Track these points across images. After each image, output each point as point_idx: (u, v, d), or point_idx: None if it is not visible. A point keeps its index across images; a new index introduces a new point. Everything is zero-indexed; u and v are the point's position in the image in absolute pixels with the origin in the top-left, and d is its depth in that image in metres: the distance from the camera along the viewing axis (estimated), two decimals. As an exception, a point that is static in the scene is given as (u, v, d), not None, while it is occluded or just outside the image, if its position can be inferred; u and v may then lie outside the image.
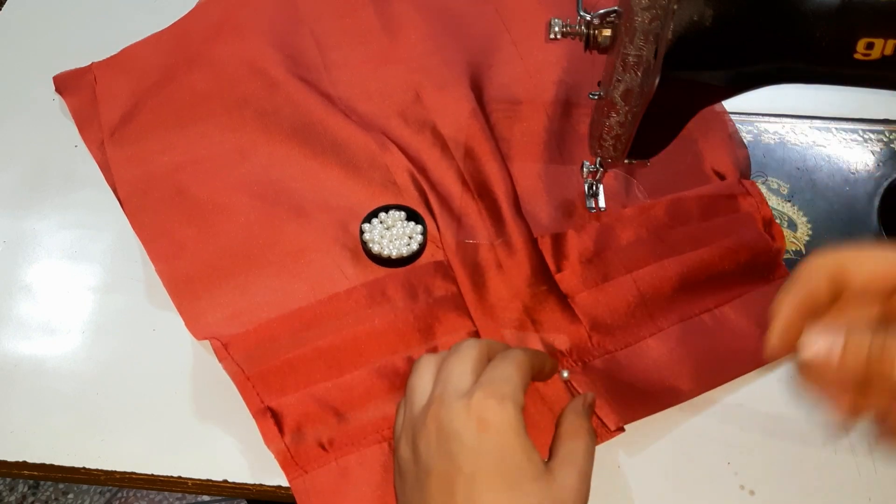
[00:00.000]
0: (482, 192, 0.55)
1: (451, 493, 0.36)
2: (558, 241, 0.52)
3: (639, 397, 0.47)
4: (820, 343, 0.29)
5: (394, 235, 0.52)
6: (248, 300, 0.51)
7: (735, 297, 0.51)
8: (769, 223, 0.53)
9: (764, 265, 0.52)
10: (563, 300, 0.50)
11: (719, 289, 0.51)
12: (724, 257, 0.51)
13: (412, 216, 0.53)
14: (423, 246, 0.52)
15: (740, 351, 0.48)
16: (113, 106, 0.60)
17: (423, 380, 0.41)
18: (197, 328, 0.50)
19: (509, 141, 0.58)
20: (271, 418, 0.45)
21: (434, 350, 0.48)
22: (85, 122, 0.61)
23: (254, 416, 0.45)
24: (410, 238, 0.52)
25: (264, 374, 0.47)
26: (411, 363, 0.46)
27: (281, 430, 0.45)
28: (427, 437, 0.37)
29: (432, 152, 0.57)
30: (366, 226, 0.53)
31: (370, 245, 0.52)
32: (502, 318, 0.50)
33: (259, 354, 0.48)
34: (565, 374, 0.47)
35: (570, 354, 0.48)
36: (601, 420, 0.45)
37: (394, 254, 0.51)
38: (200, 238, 0.54)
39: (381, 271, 0.52)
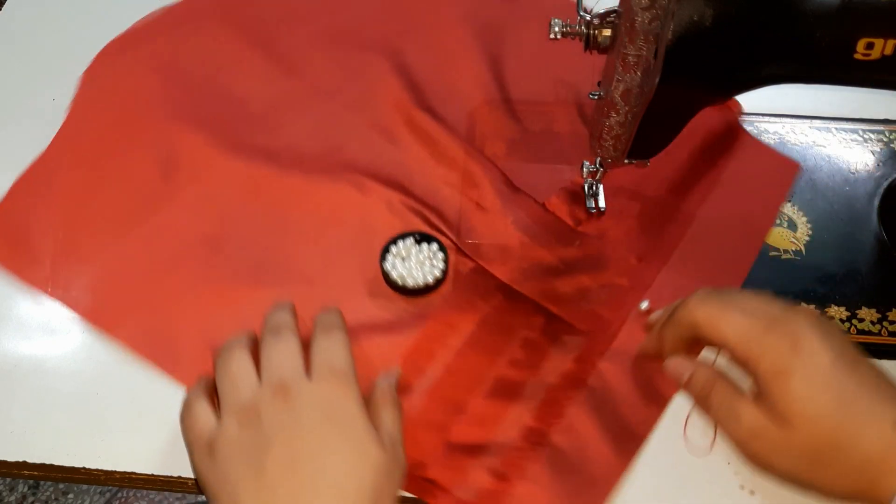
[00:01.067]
0: (473, 187, 0.55)
1: (294, 452, 0.37)
2: (563, 199, 0.54)
3: None
4: (676, 368, 0.42)
5: (417, 262, 0.51)
6: None
7: (716, 176, 0.56)
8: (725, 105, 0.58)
9: (727, 134, 0.57)
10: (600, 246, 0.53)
11: (702, 178, 0.56)
12: (693, 153, 0.56)
13: (422, 238, 0.52)
14: (446, 259, 0.51)
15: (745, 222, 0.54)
16: (40, 243, 0.54)
17: (242, 368, 0.41)
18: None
19: (510, 140, 0.58)
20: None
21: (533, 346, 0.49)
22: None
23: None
24: (431, 260, 0.51)
25: None
26: (518, 364, 0.48)
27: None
28: (272, 416, 0.38)
29: (405, 165, 0.56)
30: (387, 265, 0.51)
31: (406, 281, 0.50)
32: (563, 293, 0.51)
33: None
34: (643, 305, 0.50)
35: (633, 289, 0.51)
36: None
37: (430, 279, 0.50)
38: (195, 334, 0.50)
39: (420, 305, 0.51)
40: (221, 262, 0.53)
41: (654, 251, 0.52)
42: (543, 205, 0.54)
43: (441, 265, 0.51)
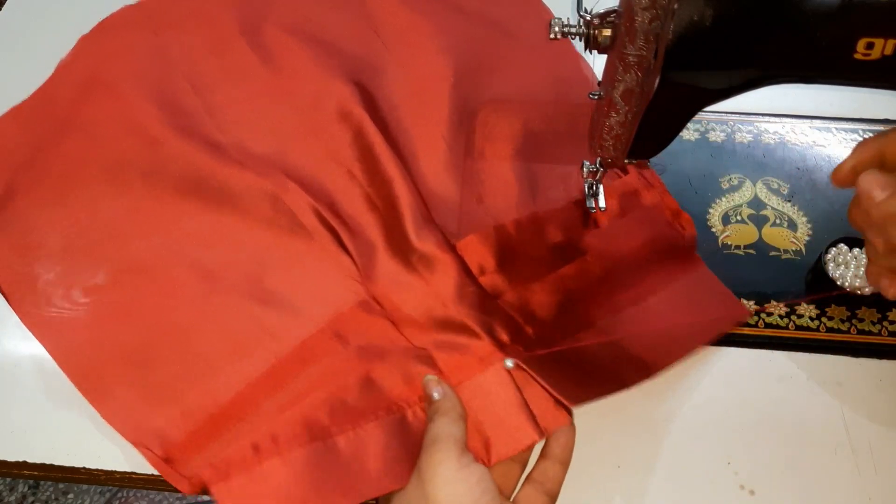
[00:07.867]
0: (391, 212, 0.53)
1: None
2: (475, 244, 0.52)
3: (586, 381, 0.46)
4: (874, 180, 0.36)
5: (856, 268, 0.51)
6: (177, 382, 0.48)
7: (658, 287, 0.51)
8: (677, 213, 0.54)
9: (681, 255, 0.52)
10: (495, 299, 0.50)
11: (642, 280, 0.51)
12: (640, 251, 0.52)
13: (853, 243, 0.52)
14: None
15: (673, 339, 0.48)
16: None
17: None
18: (126, 424, 0.47)
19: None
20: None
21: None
22: None
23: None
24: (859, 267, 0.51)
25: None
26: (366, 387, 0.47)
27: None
28: None
29: (338, 181, 0.55)
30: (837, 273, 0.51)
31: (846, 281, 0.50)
32: (435, 335, 0.49)
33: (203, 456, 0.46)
34: (509, 364, 0.46)
35: (513, 343, 0.47)
36: (559, 400, 0.44)
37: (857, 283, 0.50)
38: (99, 326, 0.50)
39: (304, 321, 0.50)
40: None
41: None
42: (556, 215, 0.53)
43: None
